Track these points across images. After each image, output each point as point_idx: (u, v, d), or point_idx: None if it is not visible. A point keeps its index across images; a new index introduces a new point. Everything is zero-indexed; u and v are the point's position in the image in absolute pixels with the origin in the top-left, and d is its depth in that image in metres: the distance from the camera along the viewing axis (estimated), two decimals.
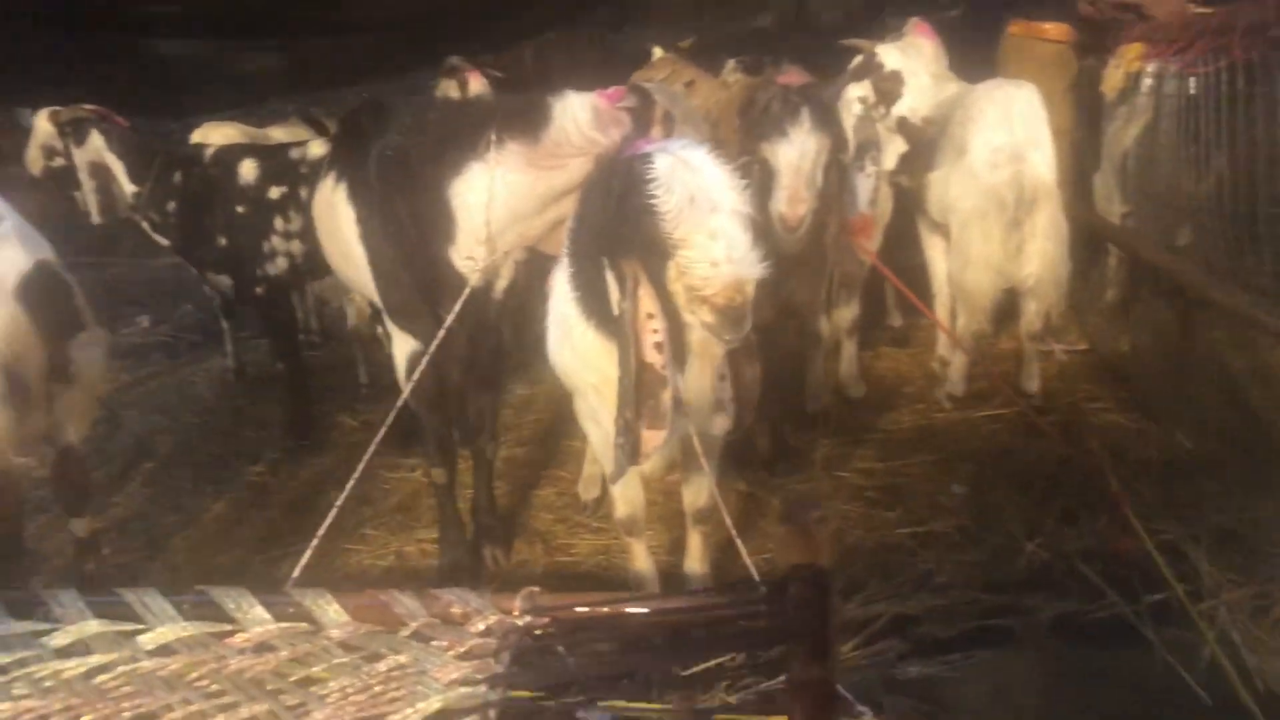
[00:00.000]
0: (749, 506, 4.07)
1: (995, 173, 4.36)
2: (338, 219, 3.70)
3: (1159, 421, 4.40)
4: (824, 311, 4.75)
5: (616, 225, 2.43)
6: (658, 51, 5.73)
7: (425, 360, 3.31)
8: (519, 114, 3.22)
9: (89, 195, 4.82)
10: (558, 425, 4.93)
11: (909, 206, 5.08)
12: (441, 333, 3.28)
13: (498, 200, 3.20)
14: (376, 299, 3.66)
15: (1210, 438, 4.05)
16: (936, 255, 4.99)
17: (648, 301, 2.41)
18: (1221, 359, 4.26)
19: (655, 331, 2.44)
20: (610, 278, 2.53)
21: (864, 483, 4.25)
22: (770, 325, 3.64)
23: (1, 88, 5.80)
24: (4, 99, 6.68)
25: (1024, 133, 4.36)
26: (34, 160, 5.07)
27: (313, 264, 4.73)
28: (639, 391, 2.43)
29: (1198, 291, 4.13)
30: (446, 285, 3.39)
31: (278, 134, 7.07)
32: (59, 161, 4.96)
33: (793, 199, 3.57)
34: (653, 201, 2.30)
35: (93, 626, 1.60)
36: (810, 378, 4.77)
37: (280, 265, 4.90)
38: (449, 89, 6.26)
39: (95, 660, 1.52)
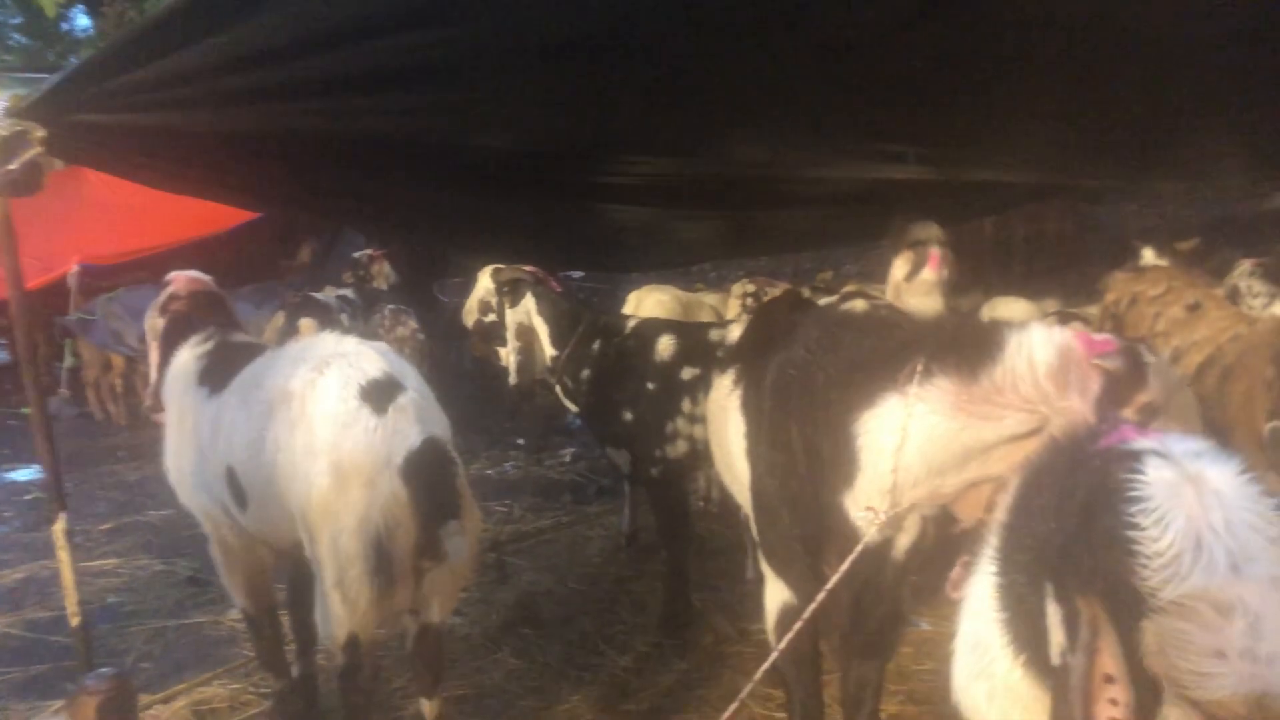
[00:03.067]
0: None
1: None
2: (727, 426, 3.28)
3: None
4: None
5: (1071, 543, 1.68)
6: (1149, 255, 4.74)
7: (799, 624, 2.72)
8: (957, 340, 2.53)
9: (510, 355, 4.91)
10: None
11: None
12: (822, 595, 2.67)
13: (912, 445, 2.52)
14: (752, 528, 3.15)
15: None
16: None
17: (1108, 661, 1.62)
18: None
19: (1114, 703, 1.63)
20: (1053, 612, 1.77)
21: None
22: None
23: (467, 244, 6.25)
24: (469, 254, 7.30)
25: None
26: (469, 313, 5.29)
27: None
28: None
29: None
30: (835, 536, 2.79)
31: (710, 299, 7.02)
32: (491, 317, 5.13)
33: None
34: (1133, 532, 1.54)
35: None
36: None
37: (681, 449, 4.62)
38: (899, 263, 5.78)
39: None
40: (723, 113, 4.70)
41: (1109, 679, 1.63)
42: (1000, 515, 2.10)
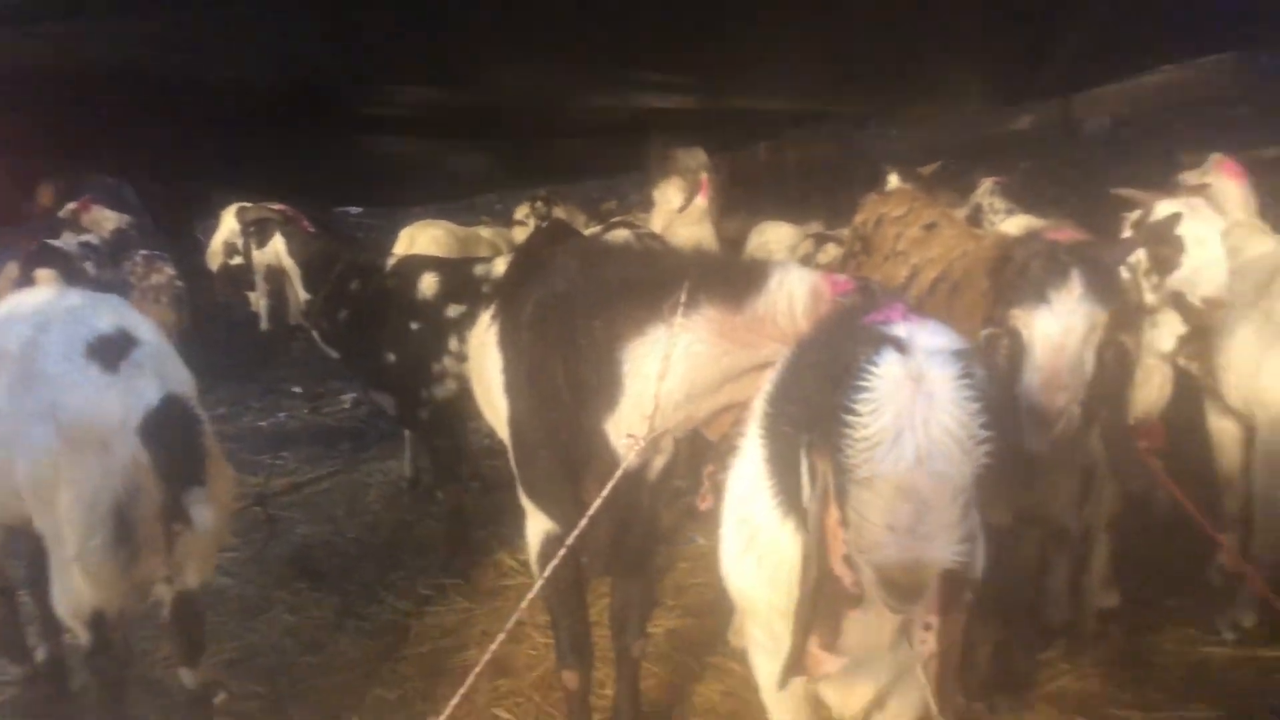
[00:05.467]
0: None
1: None
2: (485, 361, 3.25)
3: None
4: (1077, 505, 3.80)
5: (820, 404, 1.82)
6: (893, 180, 5.01)
7: (563, 552, 2.77)
8: (721, 274, 2.70)
9: (260, 300, 4.64)
10: None
11: (1192, 388, 4.06)
12: (584, 522, 2.72)
13: (675, 372, 2.65)
14: (511, 463, 3.15)
15: None
16: (1229, 449, 3.96)
17: (838, 509, 1.82)
18: None
19: (847, 544, 1.82)
20: (804, 462, 1.93)
21: None
22: (1006, 530, 2.82)
23: (217, 179, 5.88)
24: (218, 191, 6.84)
25: None
26: (214, 256, 4.97)
27: None
28: (816, 605, 1.92)
29: None
30: (594, 462, 2.84)
31: (488, 234, 6.89)
32: (237, 260, 4.82)
33: (1049, 385, 2.69)
34: (849, 415, 1.70)
35: None
36: (1051, 583, 3.84)
37: (450, 388, 4.54)
38: (671, 191, 5.83)
39: None
40: (486, 41, 4.58)
41: (842, 523, 1.81)
42: (768, 386, 2.21)
